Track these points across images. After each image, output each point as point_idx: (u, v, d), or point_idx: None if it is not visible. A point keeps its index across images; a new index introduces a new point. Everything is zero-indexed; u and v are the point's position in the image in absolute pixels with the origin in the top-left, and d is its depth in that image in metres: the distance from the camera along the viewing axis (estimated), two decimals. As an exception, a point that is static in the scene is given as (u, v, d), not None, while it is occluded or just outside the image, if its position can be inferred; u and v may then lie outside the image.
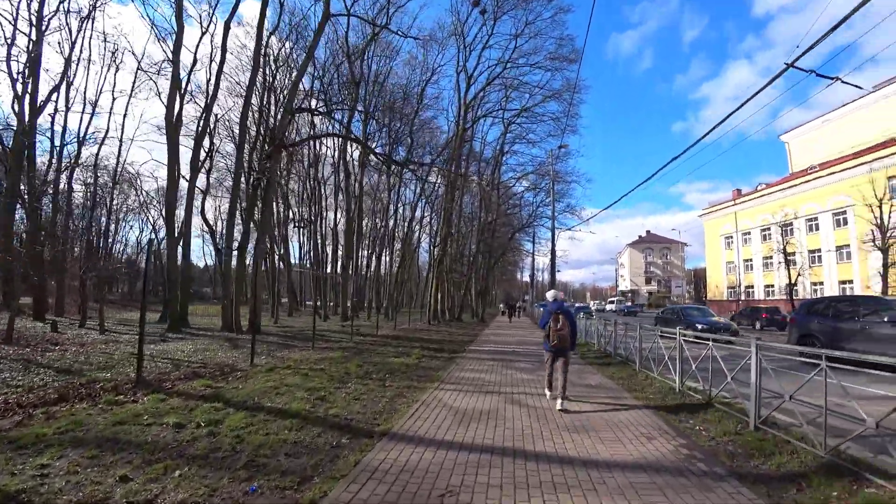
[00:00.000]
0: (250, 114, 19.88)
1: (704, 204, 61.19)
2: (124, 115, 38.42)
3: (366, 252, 50.54)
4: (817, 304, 12.58)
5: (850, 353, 4.50)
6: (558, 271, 41.27)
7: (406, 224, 38.01)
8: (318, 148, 34.94)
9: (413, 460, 4.10)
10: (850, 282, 40.98)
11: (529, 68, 25.87)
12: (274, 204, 32.52)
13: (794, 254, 36.99)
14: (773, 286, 49.10)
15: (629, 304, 69.80)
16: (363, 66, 24.99)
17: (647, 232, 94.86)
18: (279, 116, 18.82)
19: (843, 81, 9.06)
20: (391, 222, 36.02)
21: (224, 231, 36.85)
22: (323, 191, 37.47)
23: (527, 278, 60.53)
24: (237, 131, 20.93)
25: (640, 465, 4.12)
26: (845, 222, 41.36)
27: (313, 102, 22.07)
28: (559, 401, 6.32)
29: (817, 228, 44.25)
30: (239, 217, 18.90)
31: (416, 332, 19.41)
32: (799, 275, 37.49)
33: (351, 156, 32.21)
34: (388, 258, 47.14)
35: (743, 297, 52.19)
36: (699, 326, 16.63)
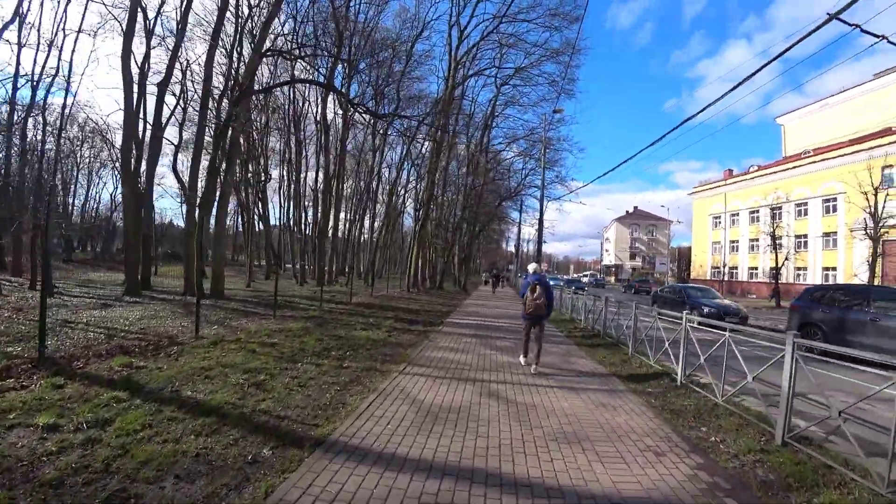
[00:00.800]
0: (220, 57, 18.04)
1: (694, 183, 60.66)
2: (89, 58, 35.65)
3: (347, 215, 49.22)
4: (822, 291, 11.73)
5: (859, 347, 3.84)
6: (545, 242, 40.41)
7: (390, 186, 36.50)
8: (302, 105, 32.93)
9: (348, 489, 3.00)
10: (834, 269, 40.94)
11: (528, 24, 24.12)
12: (250, 161, 30.79)
13: (781, 237, 36.50)
14: (756, 268, 49.04)
15: (598, 277, 73.67)
16: (348, 12, 23.03)
17: (635, 208, 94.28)
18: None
19: (889, 41, 7.89)
20: (374, 184, 34.42)
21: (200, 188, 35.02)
22: (305, 150, 35.67)
23: (512, 248, 59.58)
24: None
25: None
26: (835, 209, 41.04)
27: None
28: (533, 366, 7.12)
29: (806, 214, 43.91)
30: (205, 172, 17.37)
31: (394, 301, 18.35)
32: (786, 259, 37.04)
33: (335, 112, 30.37)
34: (370, 222, 45.77)
35: (726, 278, 52.18)
36: (705, 310, 15.77)
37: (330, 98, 27.45)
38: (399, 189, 35.05)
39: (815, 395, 4.57)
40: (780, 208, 45.04)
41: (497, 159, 33.45)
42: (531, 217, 49.64)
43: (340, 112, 27.51)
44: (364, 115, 18.57)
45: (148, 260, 18.79)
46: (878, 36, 7.74)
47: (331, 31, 22.14)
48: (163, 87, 18.85)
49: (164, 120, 21.21)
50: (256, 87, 18.11)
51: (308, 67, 22.67)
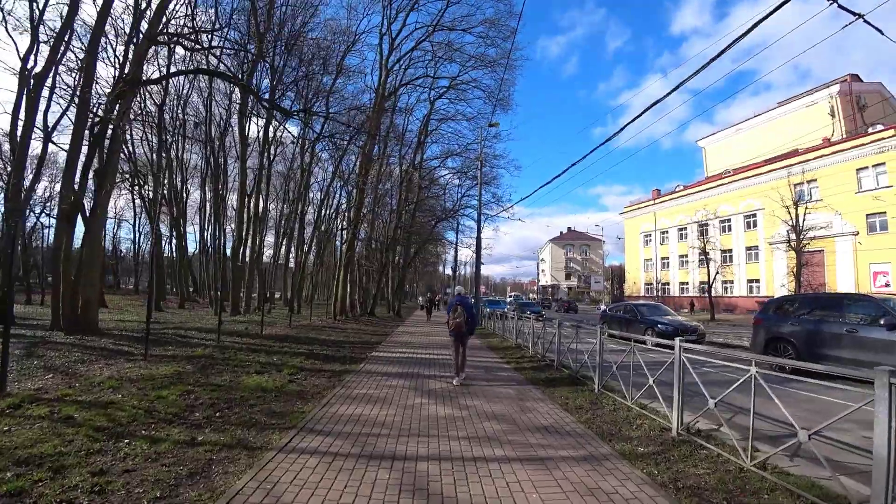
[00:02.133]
0: (105, 45, 15.16)
1: (623, 204, 62.31)
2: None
3: (277, 239, 45.76)
4: (788, 302, 10.69)
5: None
6: (483, 264, 39.19)
7: (317, 208, 33.93)
8: (227, 119, 29.84)
9: None
10: (758, 281, 42.60)
11: (461, 34, 22.93)
12: (162, 175, 27.28)
13: (709, 252, 37.41)
14: (687, 283, 50.40)
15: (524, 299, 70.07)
16: (271, 15, 20.80)
17: (569, 228, 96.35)
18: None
19: (865, 20, 6.96)
20: (301, 206, 31.58)
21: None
22: (225, 167, 32.48)
23: (449, 271, 58.01)
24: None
25: None
26: (755, 224, 42.97)
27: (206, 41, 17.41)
28: (455, 379, 7.69)
29: (730, 229, 45.66)
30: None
31: (315, 331, 15.87)
32: (717, 272, 37.87)
33: (258, 126, 27.57)
34: (297, 246, 42.58)
35: (659, 294, 53.29)
36: (660, 328, 14.56)
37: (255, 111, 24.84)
38: (330, 211, 32.59)
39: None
40: (706, 225, 46.75)
41: (432, 177, 31.86)
42: (468, 237, 48.52)
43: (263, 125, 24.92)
44: (278, 113, 16.27)
45: (8, 285, 15.20)
46: (855, 14, 6.80)
47: (251, 32, 19.87)
48: (40, 78, 15.59)
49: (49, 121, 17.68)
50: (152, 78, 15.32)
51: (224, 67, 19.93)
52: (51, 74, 14.27)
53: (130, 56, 13.53)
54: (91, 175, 13.15)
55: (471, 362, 9.33)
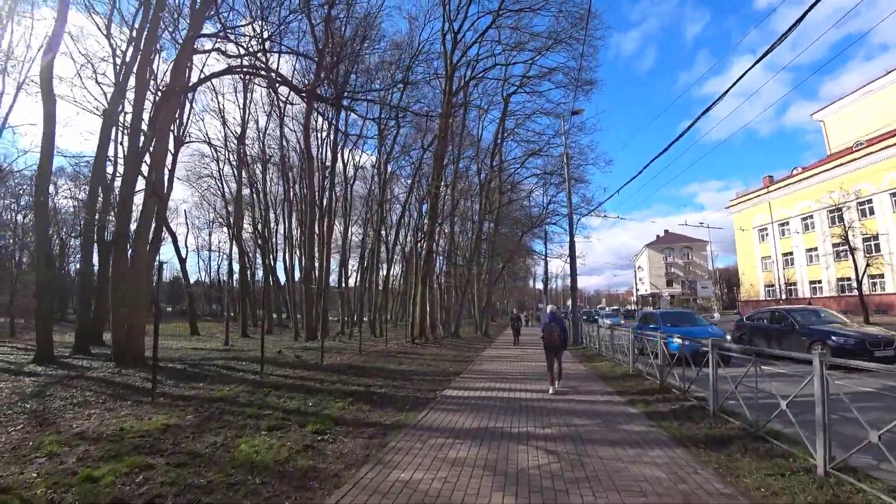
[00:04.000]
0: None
1: (719, 203, 55.17)
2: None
3: (361, 263, 45.54)
4: None
5: None
6: (569, 275, 35.51)
7: (395, 225, 32.68)
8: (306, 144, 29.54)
9: None
10: (921, 273, 34.95)
11: (530, 15, 20.36)
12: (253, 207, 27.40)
13: (850, 242, 30.92)
14: (820, 281, 42.91)
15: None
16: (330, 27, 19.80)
17: (666, 231, 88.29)
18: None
19: None
20: (377, 223, 30.37)
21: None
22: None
23: (540, 285, 54.44)
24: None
25: None
26: (909, 202, 35.50)
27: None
28: (551, 388, 8.39)
29: (872, 212, 38.21)
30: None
31: (385, 359, 13.77)
32: (867, 265, 31.31)
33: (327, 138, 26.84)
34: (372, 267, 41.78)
35: (784, 296, 45.93)
36: (835, 340, 10.67)
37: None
38: (407, 228, 31.16)
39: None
40: (839, 209, 39.56)
41: (512, 182, 29.19)
42: (558, 247, 44.97)
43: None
44: (331, 106, 14.84)
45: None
46: None
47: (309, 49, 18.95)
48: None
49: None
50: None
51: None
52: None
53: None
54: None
55: (580, 403, 6.76)
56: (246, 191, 35.76)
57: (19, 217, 34.50)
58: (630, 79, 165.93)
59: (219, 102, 30.01)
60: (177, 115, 17.40)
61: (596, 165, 28.88)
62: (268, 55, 12.56)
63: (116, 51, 15.93)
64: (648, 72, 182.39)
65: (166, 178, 17.67)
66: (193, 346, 19.38)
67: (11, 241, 33.26)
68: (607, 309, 69.51)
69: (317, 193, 21.89)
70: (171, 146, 17.69)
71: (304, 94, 12.09)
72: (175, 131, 18.12)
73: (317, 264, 22.27)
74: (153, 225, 12.49)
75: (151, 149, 11.72)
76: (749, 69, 8.73)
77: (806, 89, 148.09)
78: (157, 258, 15.75)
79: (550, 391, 8.20)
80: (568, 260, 37.02)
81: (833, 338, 10.87)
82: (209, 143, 28.11)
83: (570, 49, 20.39)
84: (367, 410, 6.79)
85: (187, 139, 26.32)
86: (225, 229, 41.84)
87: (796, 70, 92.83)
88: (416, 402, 7.39)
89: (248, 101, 28.03)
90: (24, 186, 30.76)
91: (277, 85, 13.32)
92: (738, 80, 9.19)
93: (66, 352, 13.62)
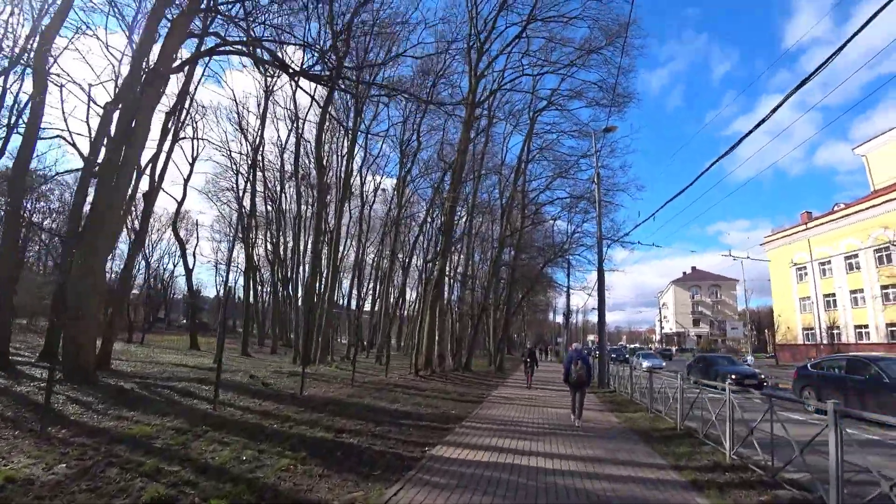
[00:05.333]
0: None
1: (746, 243, 51.79)
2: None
3: (378, 286, 43.97)
4: None
5: None
6: (593, 309, 32.76)
7: (411, 247, 31.00)
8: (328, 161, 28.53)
9: None
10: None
11: (562, 26, 18.82)
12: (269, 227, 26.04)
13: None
14: (866, 326, 39.49)
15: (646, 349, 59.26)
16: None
17: (693, 268, 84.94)
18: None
19: None
20: (393, 238, 28.68)
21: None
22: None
23: (560, 319, 51.70)
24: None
25: None
26: (967, 244, 32.45)
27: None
28: (577, 421, 8.94)
29: (924, 253, 35.12)
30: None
31: (379, 393, 11.68)
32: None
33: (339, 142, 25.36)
34: (398, 294, 39.97)
35: (825, 341, 42.41)
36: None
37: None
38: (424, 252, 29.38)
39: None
40: (888, 248, 36.60)
41: (536, 204, 27.23)
42: (580, 281, 42.54)
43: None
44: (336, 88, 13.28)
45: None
46: None
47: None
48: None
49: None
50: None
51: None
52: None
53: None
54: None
55: (624, 483, 4.72)
56: (264, 207, 34.92)
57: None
58: (658, 119, 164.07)
59: (238, 111, 29.25)
60: (175, 111, 16.11)
61: (627, 192, 26.73)
62: (278, 46, 11.09)
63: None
64: (675, 110, 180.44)
65: (151, 172, 16.30)
66: (179, 361, 17.71)
67: None
68: (646, 348, 65.76)
69: (326, 206, 20.27)
70: (165, 146, 16.41)
71: (293, 74, 10.51)
72: (173, 127, 16.81)
73: (324, 285, 20.51)
74: (118, 220, 10.87)
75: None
76: (784, 100, 8.36)
77: (837, 130, 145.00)
78: (139, 262, 14.21)
79: (577, 423, 8.88)
80: (590, 293, 34.99)
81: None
82: (209, 141, 27.02)
83: (605, 62, 18.61)
84: (317, 476, 4.80)
85: (191, 141, 25.47)
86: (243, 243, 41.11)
87: (825, 111, 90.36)
88: (392, 466, 5.36)
89: (265, 109, 27.08)
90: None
91: (277, 71, 11.88)
92: (774, 111, 8.78)
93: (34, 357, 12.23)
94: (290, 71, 10.50)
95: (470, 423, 8.52)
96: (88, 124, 14.03)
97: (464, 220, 23.40)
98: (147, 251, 49.98)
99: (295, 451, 5.69)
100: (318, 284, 20.46)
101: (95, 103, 13.96)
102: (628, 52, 17.38)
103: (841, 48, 6.96)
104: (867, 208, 39.60)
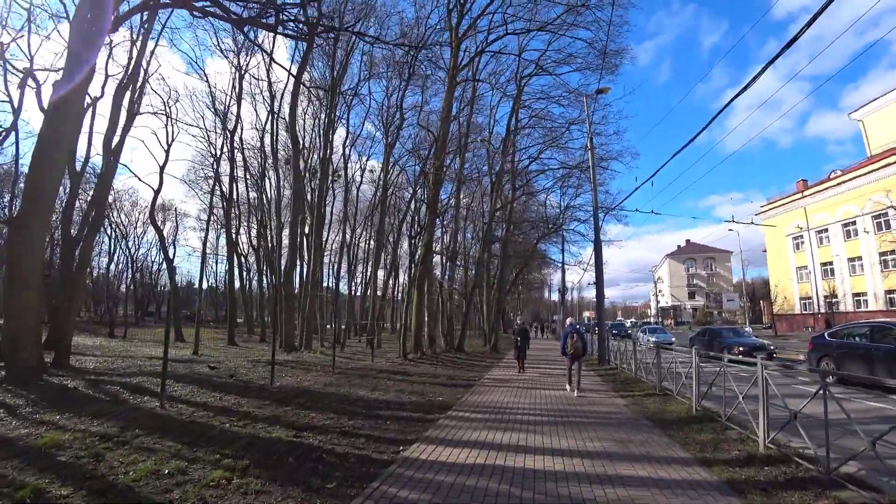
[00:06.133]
0: None
1: (739, 215, 50.77)
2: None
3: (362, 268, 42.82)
4: None
5: None
6: (590, 284, 32.05)
7: (396, 228, 29.81)
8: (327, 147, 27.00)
9: None
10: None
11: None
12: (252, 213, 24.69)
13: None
14: (864, 294, 38.95)
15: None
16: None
17: (688, 241, 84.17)
18: None
19: None
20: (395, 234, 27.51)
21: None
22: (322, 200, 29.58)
23: (556, 296, 50.85)
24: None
25: None
26: (969, 207, 31.68)
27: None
28: (575, 392, 9.52)
29: (924, 217, 34.32)
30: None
31: (362, 380, 10.62)
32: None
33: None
34: (385, 275, 38.86)
35: (823, 310, 41.95)
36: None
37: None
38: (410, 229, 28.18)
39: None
40: (886, 214, 35.84)
41: (526, 174, 26.01)
42: (575, 256, 41.50)
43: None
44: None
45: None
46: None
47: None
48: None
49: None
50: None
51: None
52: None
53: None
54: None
55: (644, 488, 3.69)
56: (246, 192, 33.51)
57: None
58: (646, 91, 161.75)
59: (212, 92, 27.74)
60: (129, 83, 14.71)
61: (621, 160, 25.55)
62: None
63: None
64: (664, 86, 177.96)
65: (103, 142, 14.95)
66: (157, 354, 16.63)
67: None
68: (651, 322, 65.35)
69: (304, 183, 19.00)
70: (121, 122, 15.02)
71: (237, 22, 9.15)
72: (128, 102, 15.41)
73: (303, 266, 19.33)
74: (50, 203, 9.63)
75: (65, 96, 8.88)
76: (768, 65, 8.09)
77: (828, 100, 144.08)
78: (121, 256, 12.97)
79: (575, 394, 9.46)
80: (585, 269, 34.03)
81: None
82: (183, 124, 25.54)
83: (594, 20, 17.08)
84: (252, 494, 3.74)
85: (165, 128, 23.95)
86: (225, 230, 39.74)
87: (815, 80, 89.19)
88: (354, 475, 4.30)
89: (240, 89, 25.64)
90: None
91: (248, 48, 10.49)
92: (759, 75, 8.38)
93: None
94: (234, 18, 9.13)
95: (456, 413, 7.47)
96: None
97: (451, 194, 22.14)
98: (133, 245, 48.78)
99: (238, 458, 4.62)
100: (309, 268, 19.28)
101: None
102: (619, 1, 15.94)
103: (819, 12, 6.56)
104: (865, 174, 38.74)
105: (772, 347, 16.88)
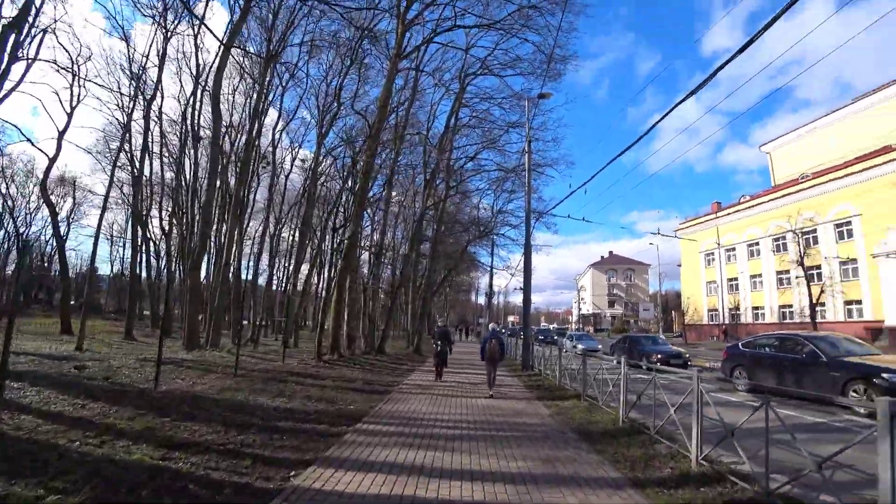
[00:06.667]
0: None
1: (661, 229, 53.75)
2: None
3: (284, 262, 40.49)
4: None
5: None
6: (517, 290, 32.28)
7: (323, 222, 28.30)
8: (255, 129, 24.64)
9: None
10: (859, 302, 34.35)
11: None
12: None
13: (806, 267, 30.03)
14: (762, 308, 42.39)
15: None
16: None
17: (611, 253, 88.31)
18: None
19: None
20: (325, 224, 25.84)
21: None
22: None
23: (483, 300, 51.08)
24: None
25: None
26: (850, 234, 35.16)
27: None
28: (491, 390, 10.07)
29: (816, 242, 37.71)
30: None
31: (261, 385, 9.41)
32: (822, 291, 30.17)
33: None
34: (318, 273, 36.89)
35: (727, 321, 45.21)
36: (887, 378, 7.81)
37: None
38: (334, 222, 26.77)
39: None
40: (783, 238, 39.25)
41: (461, 174, 25.56)
42: (507, 259, 41.85)
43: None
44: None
45: None
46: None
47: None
48: None
49: None
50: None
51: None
52: None
53: None
54: None
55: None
56: (167, 174, 30.56)
57: None
58: (585, 112, 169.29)
59: (129, 54, 24.69)
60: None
61: (556, 168, 26.05)
62: None
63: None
64: (602, 102, 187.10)
65: None
66: (31, 349, 14.29)
67: None
68: (573, 328, 67.07)
69: (224, 162, 17.27)
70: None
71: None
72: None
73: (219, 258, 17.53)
74: None
75: None
76: (688, 97, 8.75)
77: (739, 133, 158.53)
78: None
79: (490, 391, 9.99)
80: (513, 273, 34.28)
81: (885, 375, 7.91)
82: (91, 84, 22.67)
83: (545, 25, 16.83)
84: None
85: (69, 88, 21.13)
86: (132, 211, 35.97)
87: (730, 114, 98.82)
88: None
89: (163, 53, 22.99)
90: None
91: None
92: (679, 104, 9.09)
93: None
94: None
95: (367, 425, 6.62)
96: None
97: (382, 187, 21.20)
98: (25, 222, 43.31)
99: (70, 493, 3.53)
100: (223, 257, 17.52)
101: None
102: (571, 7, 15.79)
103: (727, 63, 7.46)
104: (769, 200, 42.23)
105: (687, 356, 17.41)
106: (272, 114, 30.12)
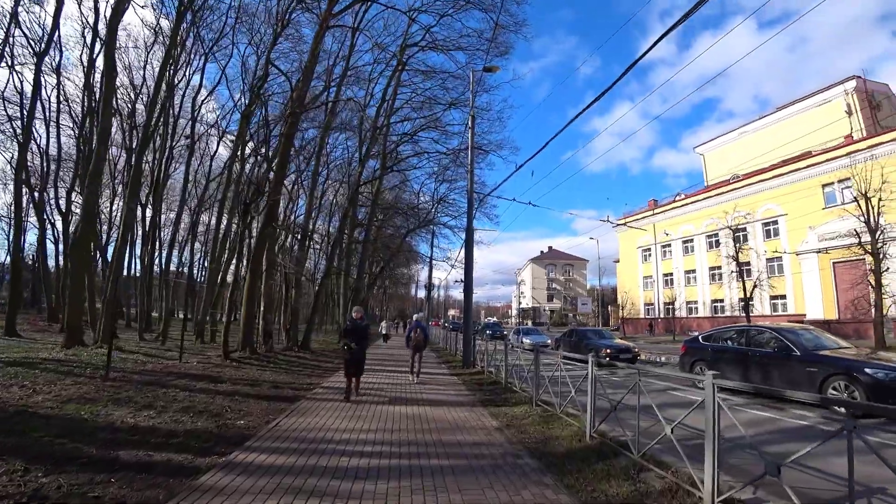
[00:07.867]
0: None
1: (594, 229, 54.90)
2: None
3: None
4: None
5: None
6: (457, 283, 31.01)
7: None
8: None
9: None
10: (783, 297, 35.83)
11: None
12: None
13: (740, 264, 30.65)
14: (696, 302, 43.61)
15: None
16: None
17: (550, 248, 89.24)
18: None
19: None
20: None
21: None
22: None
23: (423, 293, 49.46)
24: None
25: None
26: (776, 233, 36.63)
27: None
28: (415, 378, 10.71)
29: (745, 240, 38.96)
30: None
31: (140, 391, 7.28)
32: (755, 286, 30.83)
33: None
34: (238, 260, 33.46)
35: (662, 315, 46.26)
36: (869, 374, 6.85)
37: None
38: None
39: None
40: (715, 236, 40.47)
41: (398, 155, 23.55)
42: (445, 252, 40.40)
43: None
44: None
45: None
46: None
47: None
48: None
49: None
50: None
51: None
52: None
53: None
54: None
55: None
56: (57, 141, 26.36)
57: None
58: (527, 105, 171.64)
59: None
60: None
61: (501, 155, 24.87)
62: None
63: None
64: (544, 101, 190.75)
65: None
66: None
67: None
68: (514, 322, 66.45)
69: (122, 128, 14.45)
70: None
71: None
72: None
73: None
74: None
75: None
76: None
77: (670, 138, 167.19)
78: None
79: (415, 381, 10.63)
80: (453, 265, 32.85)
81: (868, 370, 6.99)
82: None
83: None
84: None
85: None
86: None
87: (663, 122, 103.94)
88: None
89: None
90: None
91: None
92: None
93: None
94: None
95: (248, 454, 4.68)
96: None
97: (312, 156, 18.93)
98: None
99: None
100: (120, 240, 14.70)
101: None
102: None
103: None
104: (703, 199, 43.48)
105: (636, 350, 16.57)
106: (193, 83, 26.77)
